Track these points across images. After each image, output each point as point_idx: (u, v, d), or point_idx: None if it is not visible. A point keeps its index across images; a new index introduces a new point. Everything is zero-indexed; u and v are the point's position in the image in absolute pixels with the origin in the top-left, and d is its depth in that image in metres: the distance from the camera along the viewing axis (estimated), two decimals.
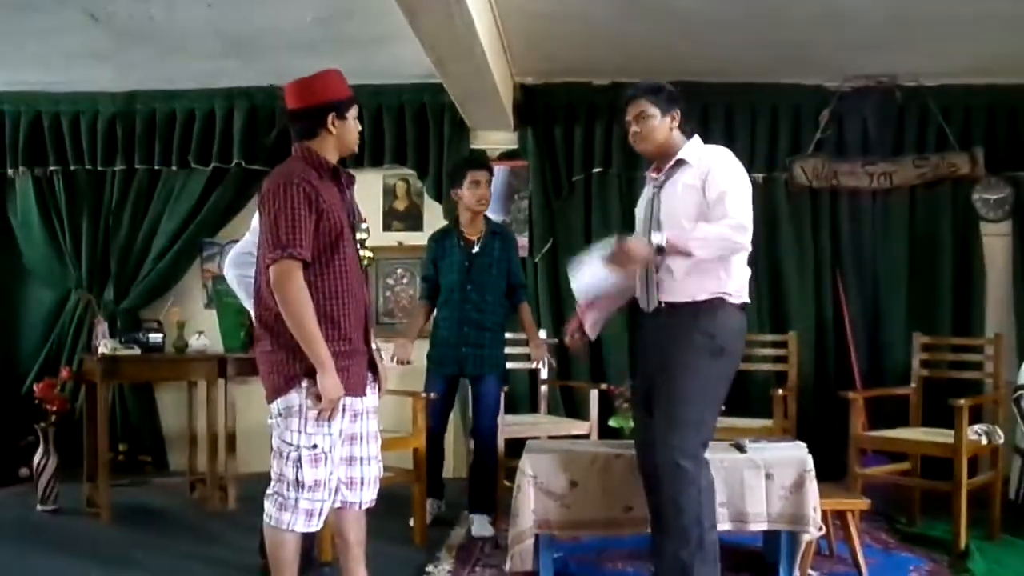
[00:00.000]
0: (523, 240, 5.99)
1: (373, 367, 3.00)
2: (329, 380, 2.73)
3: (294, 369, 2.77)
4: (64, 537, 4.52)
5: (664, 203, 3.31)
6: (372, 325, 3.00)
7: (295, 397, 2.78)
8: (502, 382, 4.74)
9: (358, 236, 2.96)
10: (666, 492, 3.14)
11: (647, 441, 3.27)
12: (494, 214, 5.91)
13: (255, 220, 3.67)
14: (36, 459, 5.03)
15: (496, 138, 6.11)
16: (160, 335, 5.30)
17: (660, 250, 3.10)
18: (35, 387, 5.16)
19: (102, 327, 5.32)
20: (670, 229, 3.20)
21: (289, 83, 2.93)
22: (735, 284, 3.24)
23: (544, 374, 5.44)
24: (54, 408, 5.06)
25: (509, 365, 4.91)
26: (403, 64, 5.42)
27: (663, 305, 3.28)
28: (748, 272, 3.31)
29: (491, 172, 4.73)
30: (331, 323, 2.80)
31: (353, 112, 2.94)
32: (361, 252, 2.98)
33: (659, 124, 3.33)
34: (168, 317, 5.59)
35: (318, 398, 2.75)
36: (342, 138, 2.91)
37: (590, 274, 3.17)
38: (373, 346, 3.01)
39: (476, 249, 4.64)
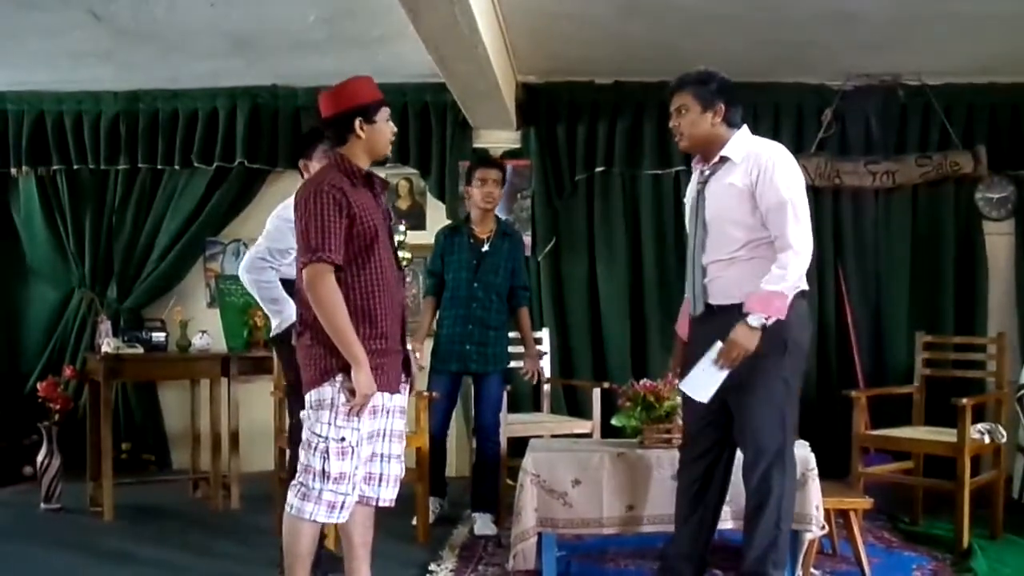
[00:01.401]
0: (526, 239, 5.98)
1: (407, 366, 3.04)
2: (363, 376, 2.79)
3: (330, 363, 2.83)
4: (67, 536, 4.52)
5: (709, 203, 3.20)
6: (406, 324, 3.05)
7: (328, 390, 2.83)
8: (505, 380, 4.75)
9: (396, 238, 3.03)
10: (755, 497, 3.12)
11: (700, 452, 3.26)
12: (497, 213, 5.93)
13: (268, 225, 3.69)
14: (40, 458, 5.04)
15: (499, 137, 6.10)
16: (163, 334, 5.31)
17: (763, 327, 3.00)
18: (38, 386, 5.18)
19: (105, 326, 5.32)
20: (715, 234, 3.15)
21: (321, 94, 3.00)
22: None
23: (546, 377, 5.44)
24: (57, 407, 5.07)
25: (511, 364, 4.90)
26: (406, 63, 5.42)
27: (715, 308, 3.18)
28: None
29: (502, 171, 4.74)
30: (368, 321, 2.86)
31: (383, 115, 2.98)
32: (400, 253, 3.04)
33: (699, 119, 3.18)
34: (171, 316, 5.60)
35: (351, 393, 2.80)
36: (371, 142, 2.95)
37: (707, 380, 3.07)
38: (408, 347, 3.06)
39: (486, 247, 4.65)
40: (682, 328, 3.51)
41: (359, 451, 2.87)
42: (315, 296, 2.81)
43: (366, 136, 2.93)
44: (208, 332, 5.35)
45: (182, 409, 5.87)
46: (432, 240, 4.88)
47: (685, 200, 3.44)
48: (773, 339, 3.05)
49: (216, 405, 5.08)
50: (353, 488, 2.88)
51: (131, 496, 5.10)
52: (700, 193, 3.25)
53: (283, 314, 3.63)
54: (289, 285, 3.58)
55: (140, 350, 5.08)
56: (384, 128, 2.98)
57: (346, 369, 2.80)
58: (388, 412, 2.97)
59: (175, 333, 5.32)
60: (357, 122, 2.91)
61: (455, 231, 4.77)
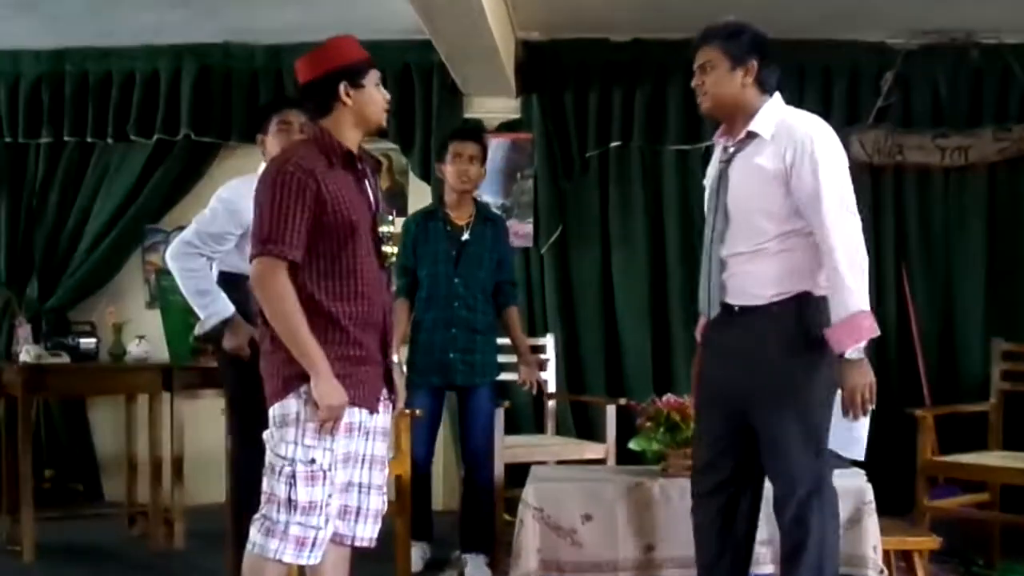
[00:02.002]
0: (527, 227, 6.00)
1: (389, 382, 3.04)
2: (324, 384, 2.77)
3: (292, 371, 2.82)
4: None
5: (733, 187, 3.18)
6: (391, 333, 3.04)
7: (293, 403, 2.82)
8: (497, 395, 4.75)
9: (383, 230, 3.00)
10: (790, 538, 3.12)
11: (719, 479, 3.26)
12: (492, 196, 5.95)
13: (207, 209, 3.71)
14: None
15: (494, 106, 6.11)
16: (93, 340, 5.31)
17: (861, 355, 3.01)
18: None
19: (24, 330, 5.32)
20: (738, 223, 3.14)
21: (297, 59, 2.99)
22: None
23: (549, 388, 5.44)
24: None
25: (503, 376, 4.91)
26: (383, 16, 5.42)
27: (736, 309, 3.18)
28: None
29: (481, 145, 4.73)
30: (338, 328, 2.85)
31: (373, 78, 2.97)
32: (384, 248, 3.01)
33: (726, 77, 3.16)
34: (103, 318, 5.60)
35: (317, 406, 2.79)
36: (361, 111, 2.94)
37: (850, 435, 3.13)
38: (393, 358, 3.06)
39: (466, 236, 4.64)
40: (702, 336, 3.48)
41: (332, 476, 2.85)
42: (262, 294, 2.81)
43: (354, 103, 2.91)
44: (147, 338, 5.35)
45: (116, 430, 5.87)
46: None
47: (705, 181, 3.42)
48: (808, 342, 3.05)
49: (156, 425, 5.07)
50: (326, 521, 2.86)
51: (56, 533, 5.09)
52: (722, 173, 3.23)
53: (209, 309, 3.72)
54: (233, 278, 3.61)
55: (66, 359, 5.07)
56: (375, 93, 2.97)
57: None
58: (367, 434, 2.96)
59: (108, 339, 5.32)
60: (342, 86, 2.90)
61: (429, 217, 4.76)
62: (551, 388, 5.45)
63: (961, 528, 4.84)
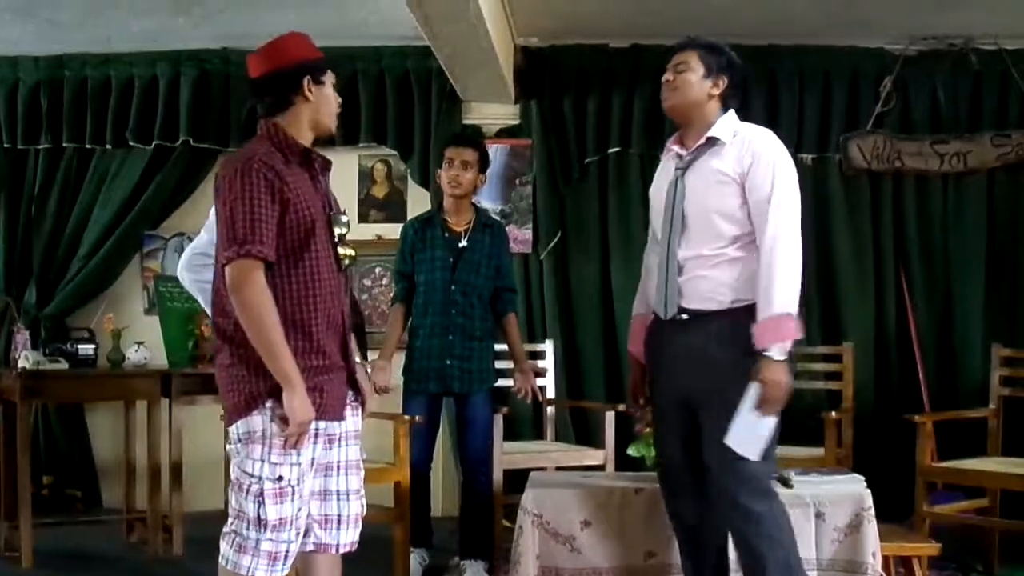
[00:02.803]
0: (526, 233, 6.00)
1: (354, 385, 2.99)
2: (298, 400, 2.72)
3: (257, 387, 2.76)
4: None
5: (690, 192, 3.27)
6: (352, 335, 2.99)
7: (258, 420, 2.77)
8: (495, 401, 4.75)
9: (336, 231, 2.93)
10: (746, 543, 3.14)
11: (682, 485, 3.29)
12: (491, 202, 5.95)
13: (212, 215, 3.69)
14: None
15: (494, 112, 6.11)
16: (92, 346, 5.30)
17: (790, 357, 3.07)
18: None
19: (22, 337, 5.32)
20: (698, 227, 3.21)
21: (251, 53, 2.92)
22: None
23: (549, 394, 5.44)
24: None
25: (501, 382, 4.90)
26: (383, 22, 5.43)
27: (691, 313, 3.25)
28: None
29: (479, 151, 4.72)
30: (302, 334, 2.80)
31: (330, 78, 2.94)
32: (341, 250, 2.93)
33: (697, 82, 3.28)
34: (101, 325, 5.59)
35: (285, 421, 2.73)
36: (319, 109, 2.90)
37: (753, 433, 3.10)
38: (356, 360, 3.01)
39: (464, 243, 4.65)
40: (636, 345, 3.52)
41: (300, 490, 2.82)
42: (241, 300, 2.72)
43: (315, 99, 2.87)
44: (146, 344, 5.34)
45: (114, 436, 5.87)
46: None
47: (652, 192, 3.52)
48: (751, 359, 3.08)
49: (154, 431, 5.07)
50: (297, 535, 2.84)
51: (54, 539, 5.08)
52: (678, 180, 3.32)
53: None
54: None
55: (64, 365, 5.07)
56: (332, 94, 2.93)
57: (276, 393, 2.73)
58: (337, 441, 2.92)
59: (106, 345, 5.31)
60: (306, 81, 2.85)
61: (427, 224, 4.76)
62: (551, 394, 5.46)
63: (960, 534, 4.84)
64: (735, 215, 3.18)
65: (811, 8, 5.36)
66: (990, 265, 5.82)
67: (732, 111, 3.35)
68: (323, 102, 2.90)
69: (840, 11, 5.40)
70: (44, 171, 6.28)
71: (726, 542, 3.33)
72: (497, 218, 5.37)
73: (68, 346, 5.26)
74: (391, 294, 5.68)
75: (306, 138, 2.90)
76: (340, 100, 2.98)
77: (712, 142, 3.27)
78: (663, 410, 3.40)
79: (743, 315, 3.14)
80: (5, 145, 6.28)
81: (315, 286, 2.82)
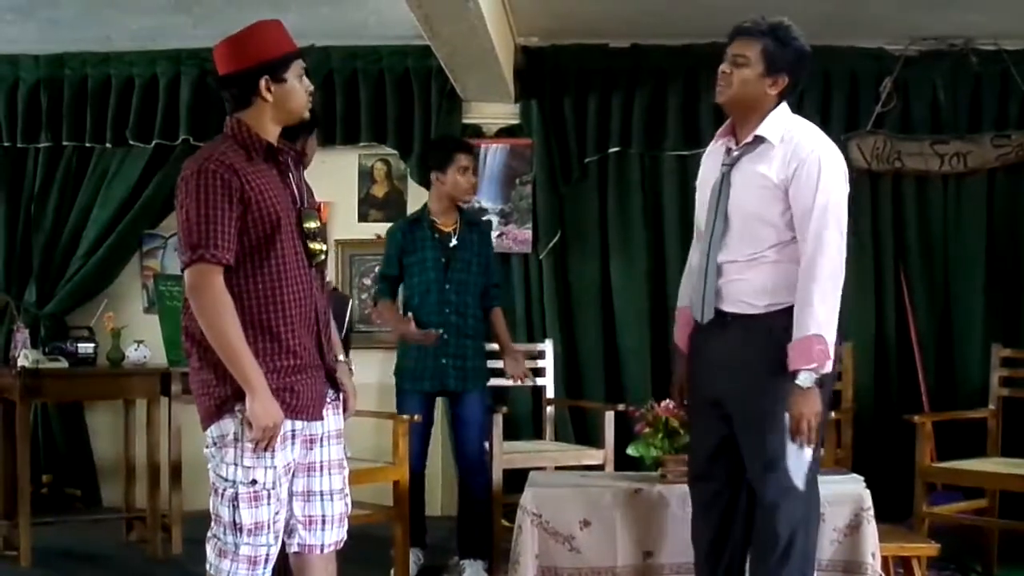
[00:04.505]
0: (526, 233, 6.00)
1: (334, 382, 2.97)
2: (259, 404, 2.68)
3: (225, 391, 2.74)
4: None
5: (735, 192, 3.17)
6: (328, 333, 2.95)
7: (229, 424, 2.75)
8: (488, 399, 4.76)
9: (308, 226, 2.87)
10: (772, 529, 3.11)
11: (709, 474, 3.28)
12: (491, 202, 5.96)
13: None
14: None
15: (493, 111, 6.11)
16: (91, 345, 5.30)
17: (820, 383, 3.02)
18: None
19: (22, 335, 5.31)
20: (738, 229, 3.14)
21: (218, 44, 2.89)
22: None
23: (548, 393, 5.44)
24: None
25: (495, 381, 4.91)
26: (383, 21, 5.42)
27: (729, 316, 3.18)
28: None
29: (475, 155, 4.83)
30: (269, 335, 2.77)
31: (295, 71, 2.87)
32: (312, 245, 2.87)
33: (755, 80, 3.11)
34: (101, 323, 5.59)
35: (251, 425, 2.71)
36: (282, 106, 2.85)
37: (793, 460, 3.08)
38: (340, 358, 2.99)
39: (454, 242, 4.67)
40: (682, 340, 3.46)
41: (277, 492, 2.79)
42: (198, 304, 2.70)
43: (274, 99, 2.83)
44: (145, 343, 5.34)
45: (114, 435, 5.87)
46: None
47: (698, 184, 3.40)
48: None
49: (154, 430, 5.08)
50: (276, 538, 2.82)
51: (53, 538, 5.08)
52: (725, 177, 3.21)
53: None
54: None
55: (64, 364, 5.07)
56: (297, 87, 2.87)
57: (245, 396, 2.71)
58: (319, 441, 2.90)
59: (106, 344, 5.31)
60: (263, 82, 2.81)
61: (415, 225, 4.77)
62: (550, 394, 5.46)
63: (959, 534, 4.84)
64: (778, 222, 3.10)
65: (811, 8, 5.33)
66: (990, 265, 5.82)
67: (784, 104, 3.20)
68: (286, 99, 2.84)
69: (840, 11, 5.39)
70: (44, 170, 6.27)
71: (751, 536, 3.30)
72: (479, 216, 5.38)
73: (68, 345, 5.26)
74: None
75: (271, 133, 2.86)
76: (311, 88, 2.92)
77: (760, 140, 3.14)
78: (698, 415, 3.37)
79: (778, 319, 3.09)
80: (5, 144, 6.27)
81: (282, 285, 2.78)
